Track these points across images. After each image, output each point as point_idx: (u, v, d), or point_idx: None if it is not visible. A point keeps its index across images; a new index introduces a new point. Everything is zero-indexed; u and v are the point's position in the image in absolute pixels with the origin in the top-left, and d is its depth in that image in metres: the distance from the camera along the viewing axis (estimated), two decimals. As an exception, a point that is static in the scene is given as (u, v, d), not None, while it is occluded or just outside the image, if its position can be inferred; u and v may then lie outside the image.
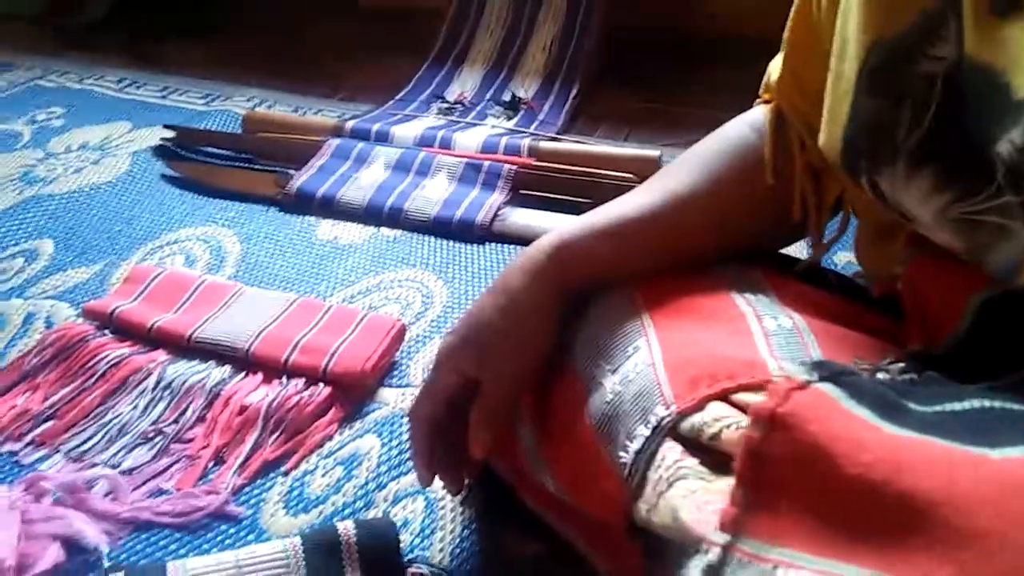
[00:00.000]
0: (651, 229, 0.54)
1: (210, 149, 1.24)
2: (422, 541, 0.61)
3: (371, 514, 0.64)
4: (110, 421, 0.72)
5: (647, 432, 0.42)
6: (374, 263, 0.99)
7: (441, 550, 0.60)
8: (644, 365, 0.46)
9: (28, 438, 0.71)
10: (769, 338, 0.45)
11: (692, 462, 0.39)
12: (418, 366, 0.81)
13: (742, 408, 0.39)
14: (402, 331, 0.81)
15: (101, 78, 1.55)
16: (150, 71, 1.59)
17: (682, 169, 0.57)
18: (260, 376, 0.76)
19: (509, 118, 1.38)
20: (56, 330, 0.81)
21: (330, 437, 0.72)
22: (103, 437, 0.71)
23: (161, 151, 1.24)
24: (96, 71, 1.58)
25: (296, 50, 1.70)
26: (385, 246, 1.02)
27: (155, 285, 0.87)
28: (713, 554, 0.34)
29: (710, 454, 0.39)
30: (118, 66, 1.60)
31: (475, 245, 1.03)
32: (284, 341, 0.78)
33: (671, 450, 0.40)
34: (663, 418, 0.41)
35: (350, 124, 1.27)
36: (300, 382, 0.75)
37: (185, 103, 1.45)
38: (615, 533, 0.48)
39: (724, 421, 0.39)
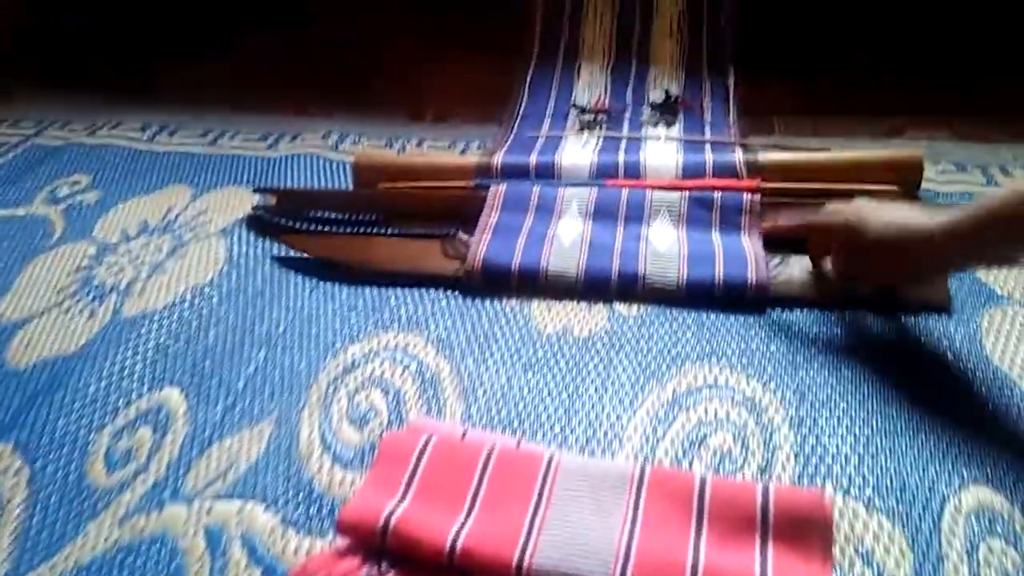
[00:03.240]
0: None
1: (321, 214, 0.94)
2: None
3: None
4: None
5: None
6: (643, 365, 0.70)
7: None
8: None
9: None
10: None
11: None
12: None
13: None
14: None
15: (117, 126, 1.20)
16: (169, 108, 1.24)
17: None
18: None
19: (669, 124, 1.10)
20: (304, 571, 0.50)
21: None
22: None
23: (258, 224, 0.92)
24: (102, 115, 1.23)
25: (347, 57, 1.37)
26: (634, 333, 0.74)
27: (425, 464, 0.57)
28: None
29: None
30: (121, 105, 1.26)
31: (752, 316, 0.76)
32: (670, 559, 0.49)
33: None
34: None
35: (497, 159, 0.97)
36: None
37: (241, 148, 1.12)
38: None
39: None
